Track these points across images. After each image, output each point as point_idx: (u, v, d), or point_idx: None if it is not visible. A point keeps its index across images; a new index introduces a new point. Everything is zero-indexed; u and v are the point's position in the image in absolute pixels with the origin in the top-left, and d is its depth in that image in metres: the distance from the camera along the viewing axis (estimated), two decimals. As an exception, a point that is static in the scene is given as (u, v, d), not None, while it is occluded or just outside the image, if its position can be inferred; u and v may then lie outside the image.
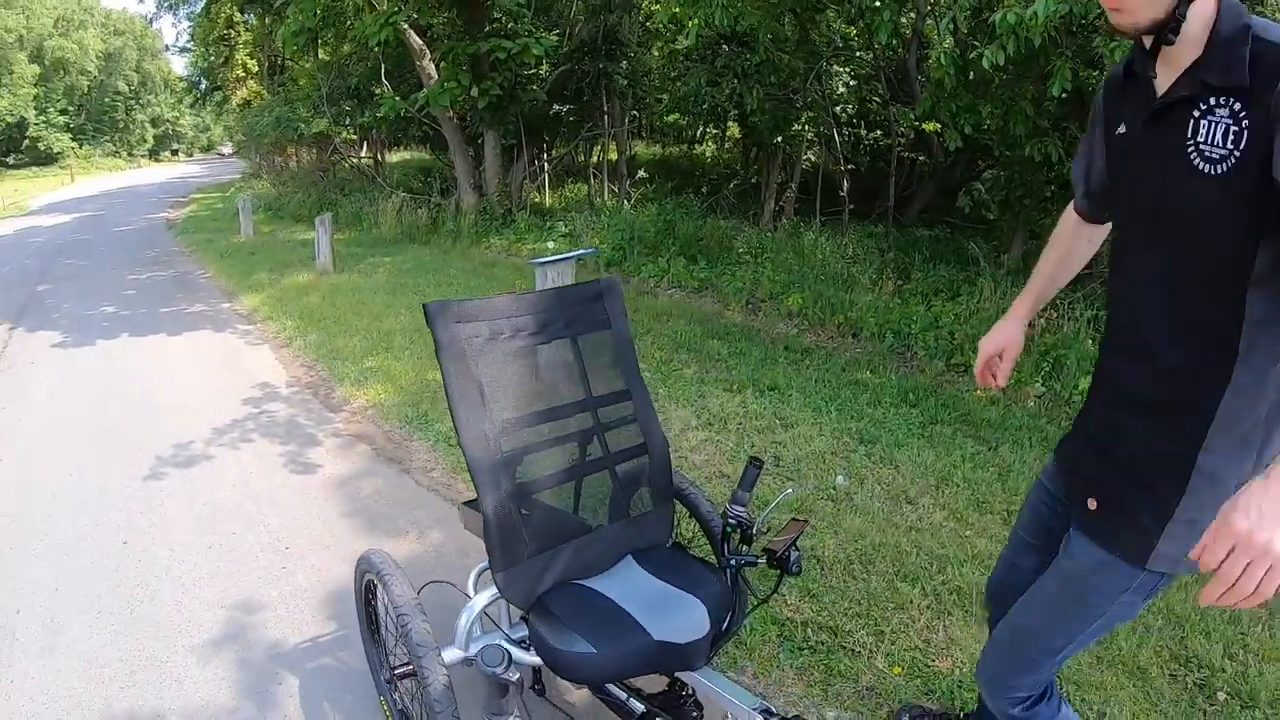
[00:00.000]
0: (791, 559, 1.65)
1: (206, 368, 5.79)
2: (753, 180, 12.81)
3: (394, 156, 20.49)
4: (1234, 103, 1.07)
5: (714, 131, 17.10)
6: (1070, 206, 1.59)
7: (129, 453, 4.15)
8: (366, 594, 2.02)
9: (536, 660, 1.61)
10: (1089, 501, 1.31)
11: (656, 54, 12.51)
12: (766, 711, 1.43)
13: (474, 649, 1.76)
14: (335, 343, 5.97)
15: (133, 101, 55.92)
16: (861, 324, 6.11)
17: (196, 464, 4.01)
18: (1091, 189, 1.47)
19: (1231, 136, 1.06)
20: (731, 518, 1.73)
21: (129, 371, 5.73)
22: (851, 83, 9.17)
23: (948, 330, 5.75)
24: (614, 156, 13.62)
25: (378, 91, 12.10)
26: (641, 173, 12.85)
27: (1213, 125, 1.07)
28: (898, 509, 3.34)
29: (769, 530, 1.85)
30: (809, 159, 10.96)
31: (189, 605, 2.79)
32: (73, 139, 48.98)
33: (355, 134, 17.66)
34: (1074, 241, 1.59)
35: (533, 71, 11.85)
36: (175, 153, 62.85)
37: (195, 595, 2.85)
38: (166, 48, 58.36)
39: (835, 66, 8.86)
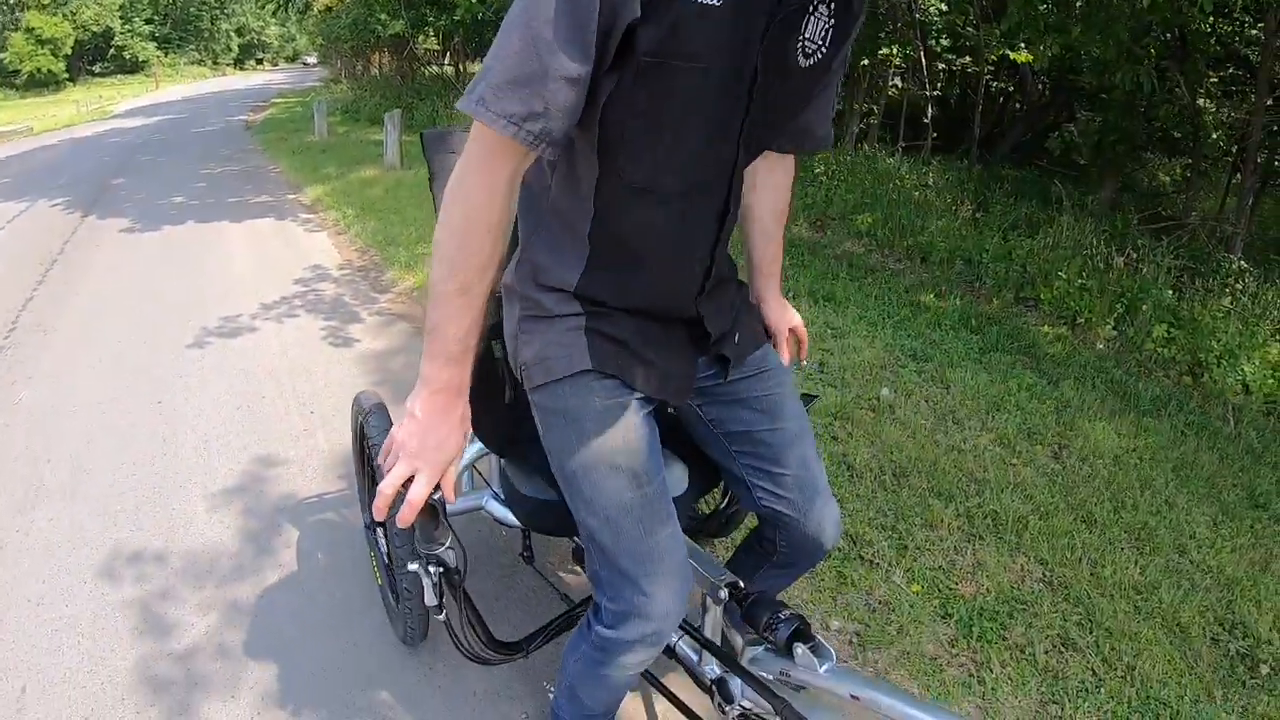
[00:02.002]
0: None
1: (263, 251, 5.85)
2: (837, 105, 12.33)
3: (475, 67, 20.25)
4: (831, 5, 1.09)
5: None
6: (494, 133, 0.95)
7: (176, 324, 4.22)
8: (360, 437, 1.96)
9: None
10: (735, 335, 1.30)
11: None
12: (734, 585, 1.32)
13: (460, 505, 1.68)
14: (391, 230, 5.97)
15: (217, 11, 56.37)
16: (932, 248, 5.85)
17: (239, 335, 4.04)
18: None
19: (825, 34, 1.10)
20: None
21: (188, 253, 5.82)
22: (944, 8, 8.63)
23: (1020, 263, 5.47)
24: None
25: (457, -6, 11.88)
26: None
27: (817, 23, 1.09)
28: (942, 427, 3.16)
29: None
30: (895, 85, 10.44)
31: (208, 459, 2.82)
32: (158, 48, 49.84)
33: (438, 43, 17.51)
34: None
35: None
36: (260, 62, 63.41)
37: (216, 451, 2.88)
38: (251, -47, 58.57)
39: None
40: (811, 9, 1.08)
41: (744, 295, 1.37)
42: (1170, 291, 5.00)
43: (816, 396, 1.71)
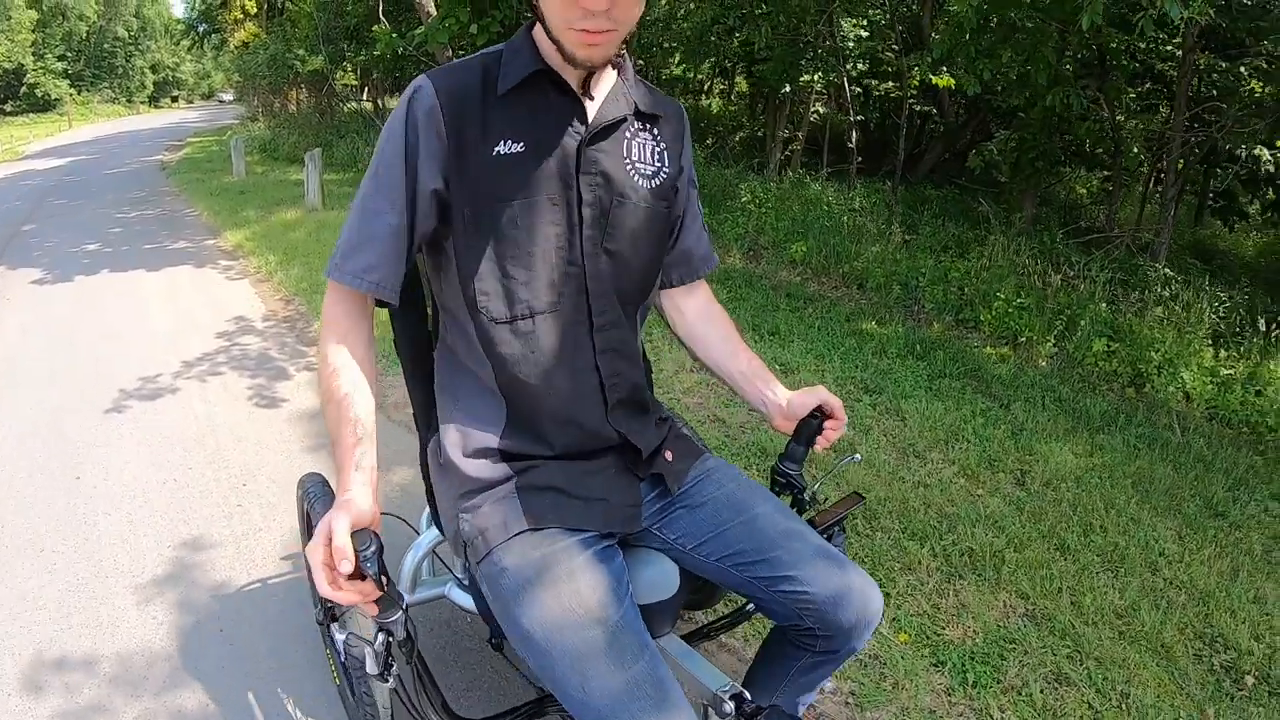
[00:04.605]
0: (835, 539, 1.39)
1: (183, 303, 5.55)
2: (758, 133, 12.45)
3: (394, 102, 20.00)
4: (651, 127, 1.27)
5: (721, 85, 16.69)
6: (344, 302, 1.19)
7: (93, 386, 3.92)
8: (307, 520, 1.80)
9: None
10: (666, 454, 1.34)
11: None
12: (739, 698, 1.18)
13: (421, 594, 1.54)
14: (316, 278, 5.72)
15: (132, 47, 54.62)
16: (867, 275, 5.88)
17: (160, 397, 3.78)
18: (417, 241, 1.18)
19: (656, 154, 1.27)
20: (780, 476, 1.44)
21: (104, 307, 5.48)
22: (864, 34, 8.78)
23: (957, 285, 5.54)
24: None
25: (375, 29, 11.71)
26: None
27: (642, 146, 1.26)
28: (905, 462, 3.12)
29: (824, 500, 1.55)
30: (816, 112, 10.60)
31: (135, 543, 2.58)
32: (71, 86, 47.75)
33: (356, 78, 17.25)
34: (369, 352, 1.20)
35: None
36: (175, 99, 61.83)
37: (143, 533, 2.64)
38: (167, -10, 57.16)
39: (846, 19, 8.46)
40: (630, 134, 1.24)
41: (669, 424, 1.40)
42: (1104, 305, 5.11)
43: (864, 498, 1.55)
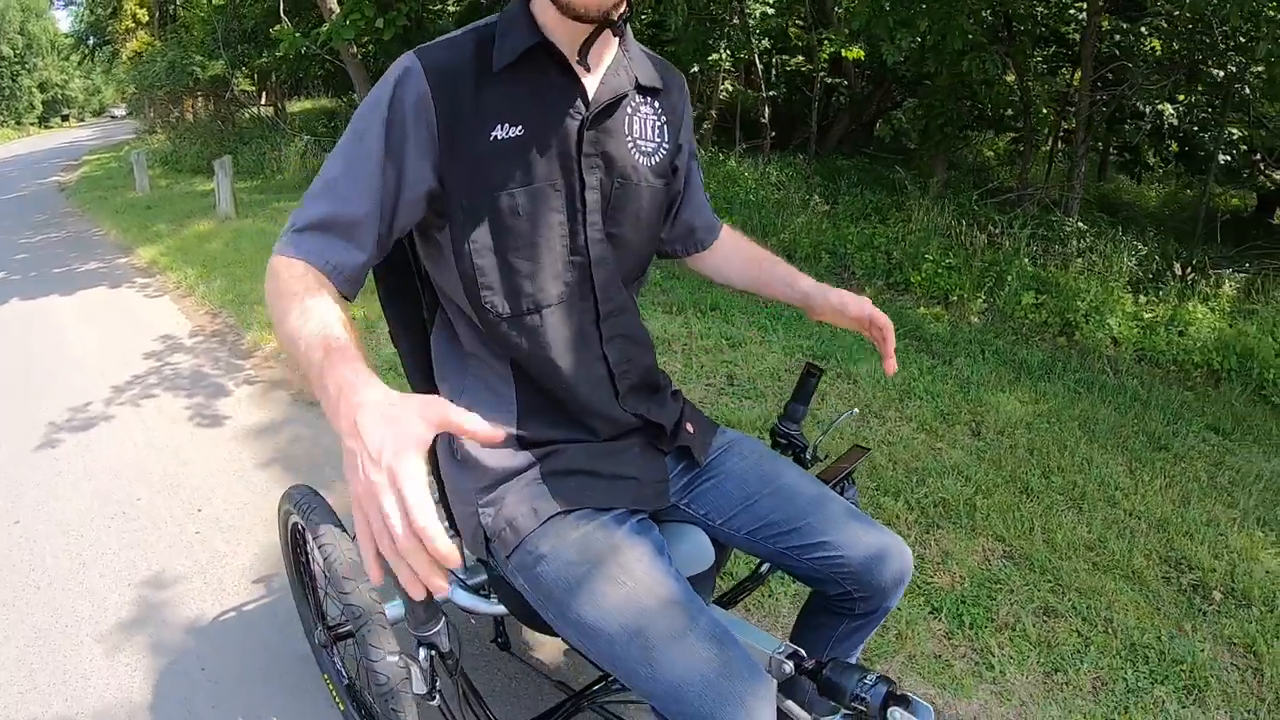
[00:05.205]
0: (846, 493, 1.40)
1: (103, 325, 5.26)
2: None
3: (294, 106, 19.38)
4: (653, 100, 1.21)
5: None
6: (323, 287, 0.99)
7: (19, 422, 3.68)
8: (293, 539, 1.72)
9: (497, 609, 1.35)
10: (687, 426, 1.32)
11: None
12: (796, 656, 1.14)
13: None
14: (241, 287, 5.52)
15: (18, 66, 51.40)
16: (795, 246, 6.00)
17: (94, 426, 3.58)
18: (392, 229, 1.07)
19: (657, 130, 1.21)
20: (781, 436, 1.44)
21: (18, 337, 5.15)
22: (770, 12, 8.85)
23: (884, 250, 5.66)
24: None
25: (276, 30, 11.30)
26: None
27: (643, 122, 1.19)
28: (865, 423, 3.19)
29: (827, 457, 1.57)
30: (726, 89, 10.65)
31: (93, 587, 2.41)
32: (-44, 111, 45.08)
33: (254, 83, 16.66)
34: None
35: (439, 6, 11.24)
36: (65, 118, 58.58)
37: (99, 575, 2.47)
38: (51, 2, 53.74)
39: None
40: (631, 110, 1.17)
41: (682, 396, 1.38)
42: (1027, 261, 5.30)
43: (867, 450, 1.58)
